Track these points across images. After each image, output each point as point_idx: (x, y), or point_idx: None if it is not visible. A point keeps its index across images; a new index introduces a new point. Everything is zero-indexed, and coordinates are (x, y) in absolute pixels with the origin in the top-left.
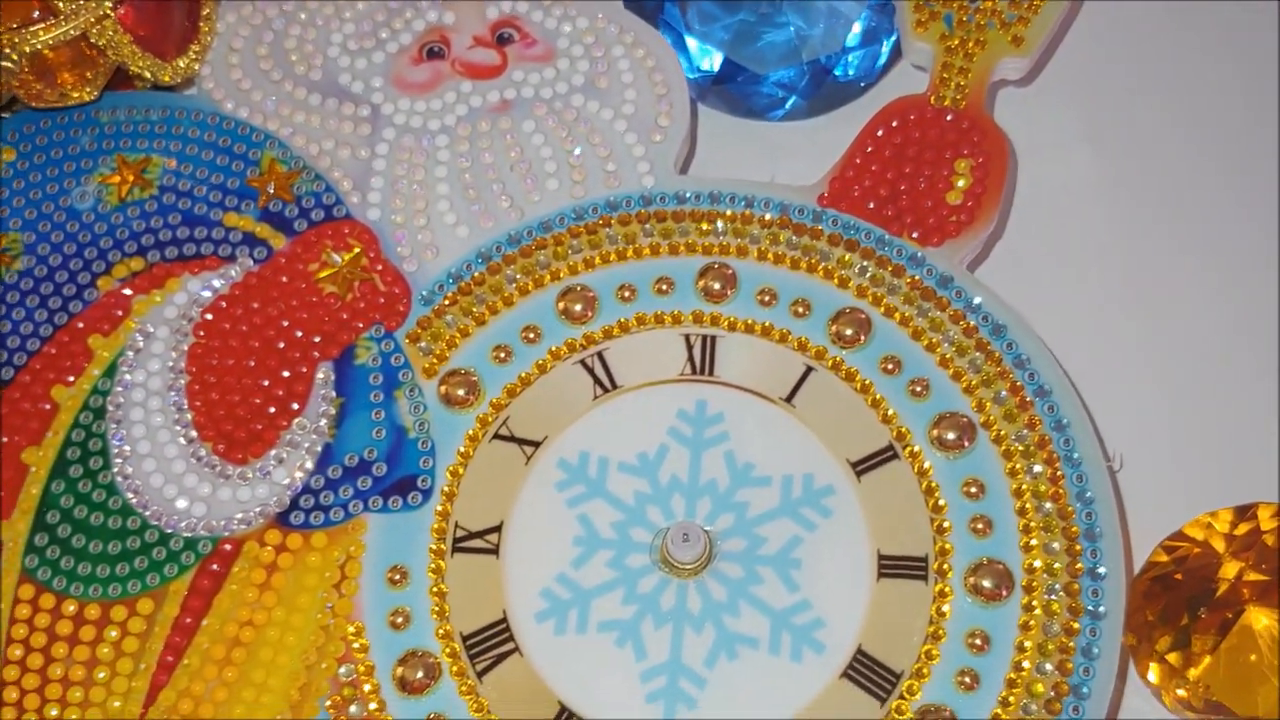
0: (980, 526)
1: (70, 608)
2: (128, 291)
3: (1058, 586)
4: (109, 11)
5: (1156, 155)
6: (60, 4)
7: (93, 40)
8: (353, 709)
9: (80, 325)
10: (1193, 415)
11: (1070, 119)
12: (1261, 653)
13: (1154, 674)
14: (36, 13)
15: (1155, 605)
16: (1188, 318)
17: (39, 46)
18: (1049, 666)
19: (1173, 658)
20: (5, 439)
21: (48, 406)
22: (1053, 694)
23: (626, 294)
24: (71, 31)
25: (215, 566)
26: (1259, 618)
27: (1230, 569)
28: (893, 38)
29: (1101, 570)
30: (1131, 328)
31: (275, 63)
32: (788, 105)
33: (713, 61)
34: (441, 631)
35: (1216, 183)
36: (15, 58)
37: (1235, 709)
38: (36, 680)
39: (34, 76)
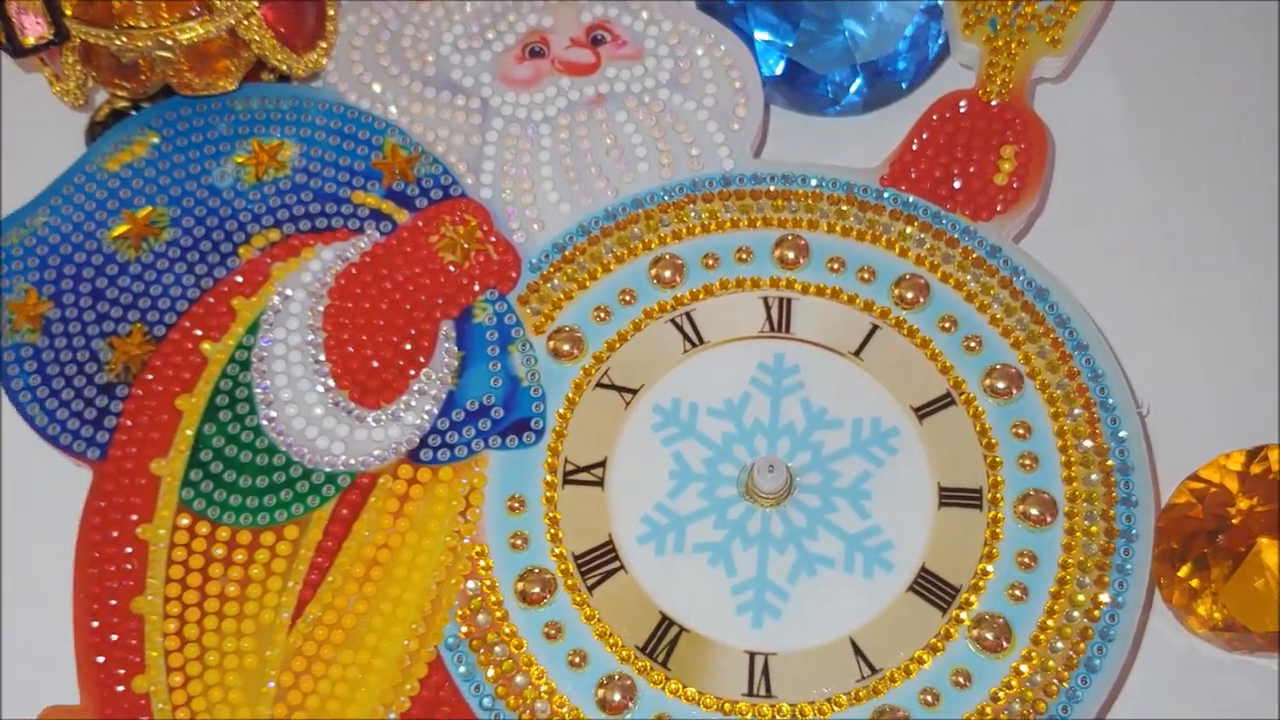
0: (1028, 462)
1: (224, 534)
2: (267, 260)
3: (1095, 513)
4: (255, 9)
5: (1177, 138)
6: (218, 4)
7: (239, 35)
8: (480, 618)
9: (225, 289)
10: (1211, 367)
11: (1102, 107)
12: (1269, 578)
13: (1177, 597)
14: (194, 9)
15: (1177, 537)
16: (1206, 281)
17: (195, 39)
18: (1088, 581)
19: (1193, 583)
20: (160, 388)
21: (198, 360)
22: (1092, 604)
23: (710, 262)
24: (223, 26)
25: (353, 497)
26: (1268, 547)
27: (1243, 504)
28: (940, 40)
29: (1135, 499)
30: (1158, 290)
31: (393, 59)
32: (844, 102)
33: (776, 65)
34: (556, 552)
35: (1235, 156)
36: (174, 49)
37: (1248, 625)
38: (196, 596)
39: (187, 66)
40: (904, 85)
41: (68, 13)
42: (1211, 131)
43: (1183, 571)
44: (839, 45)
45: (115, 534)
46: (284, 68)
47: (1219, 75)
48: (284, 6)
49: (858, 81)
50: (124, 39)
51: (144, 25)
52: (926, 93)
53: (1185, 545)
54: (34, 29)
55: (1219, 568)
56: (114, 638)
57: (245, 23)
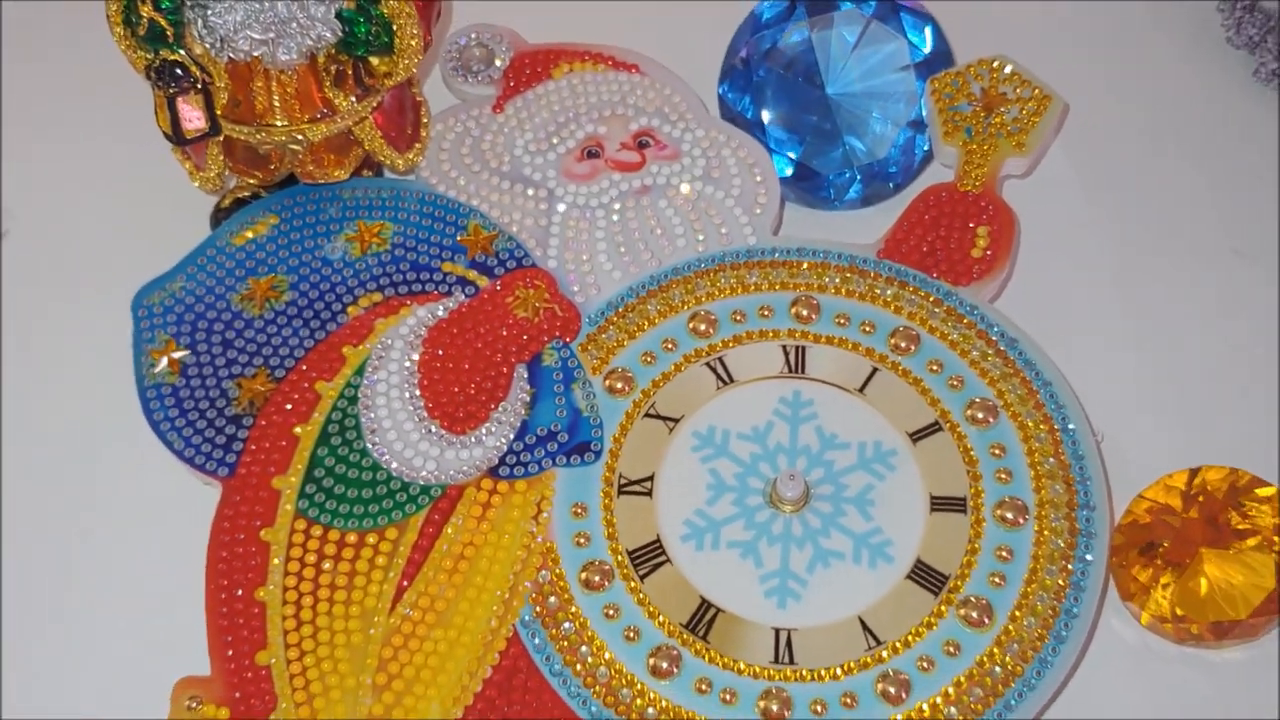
0: (1003, 476)
1: (334, 536)
2: (372, 317)
3: (1059, 516)
4: (368, 115)
5: (1121, 219)
6: (339, 105)
7: (354, 135)
8: (550, 600)
9: (336, 339)
10: (1154, 403)
11: (1059, 197)
12: (1208, 582)
13: (1132, 597)
14: (320, 112)
15: (1132, 546)
16: (1148, 331)
17: (319, 136)
18: (1054, 570)
19: (1146, 581)
20: (280, 419)
21: (312, 396)
22: (1058, 589)
23: (738, 317)
24: (344, 126)
25: (443, 505)
26: (1208, 556)
27: (1186, 516)
28: (925, 148)
29: (1093, 504)
30: (1108, 339)
31: (474, 158)
32: (844, 200)
33: (786, 169)
34: (612, 548)
35: (1169, 228)
36: (302, 144)
37: (1194, 617)
38: (310, 586)
39: (309, 158)
40: (893, 185)
41: (219, 111)
42: (1149, 210)
43: (1136, 572)
44: (839, 155)
45: (242, 536)
46: (387, 163)
47: (1154, 166)
48: (390, 113)
49: (856, 184)
50: (264, 134)
51: (280, 124)
52: (913, 187)
53: (1139, 552)
54: (194, 122)
55: (1166, 573)
56: (240, 620)
57: (360, 125)
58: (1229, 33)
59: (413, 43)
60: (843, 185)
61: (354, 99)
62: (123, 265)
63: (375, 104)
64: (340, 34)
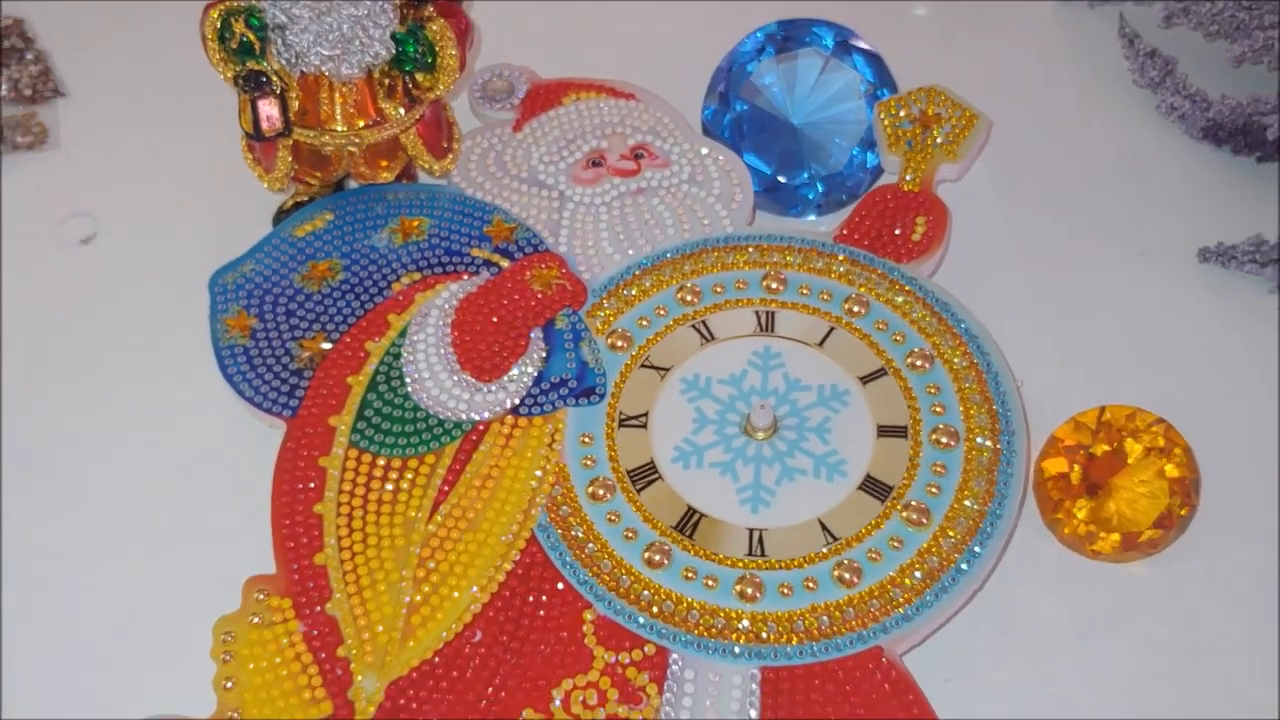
0: (938, 409)
1: (381, 461)
2: (413, 292)
3: (985, 440)
4: (412, 126)
5: (1030, 208)
6: (390, 114)
7: (401, 141)
8: (562, 510)
9: (382, 309)
10: (1064, 353)
11: (981, 196)
12: (1118, 503)
13: (1053, 517)
14: (374, 120)
15: (1051, 473)
16: (1059, 293)
17: (372, 140)
18: (981, 482)
19: (1065, 506)
20: (336, 371)
21: (363, 354)
22: (984, 497)
23: (718, 289)
24: (393, 134)
25: (473, 437)
26: (1115, 481)
27: (1097, 449)
28: (874, 164)
29: (1013, 429)
30: (1024, 301)
31: (499, 167)
32: (808, 210)
33: (757, 185)
34: (614, 468)
35: (1071, 213)
36: (359, 146)
37: (1103, 533)
38: (360, 501)
39: (363, 161)
40: (847, 196)
41: (291, 116)
42: (1063, 210)
43: (1055, 496)
44: (804, 172)
45: (303, 463)
46: (426, 168)
47: (1069, 178)
48: (430, 127)
49: (818, 195)
50: (327, 137)
51: (341, 129)
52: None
53: (1055, 481)
54: (272, 122)
55: (1082, 498)
56: (300, 529)
57: (406, 134)
58: (1134, 74)
59: (452, 62)
60: (807, 197)
61: (402, 110)
62: (200, 255)
63: (419, 116)
64: (393, 52)
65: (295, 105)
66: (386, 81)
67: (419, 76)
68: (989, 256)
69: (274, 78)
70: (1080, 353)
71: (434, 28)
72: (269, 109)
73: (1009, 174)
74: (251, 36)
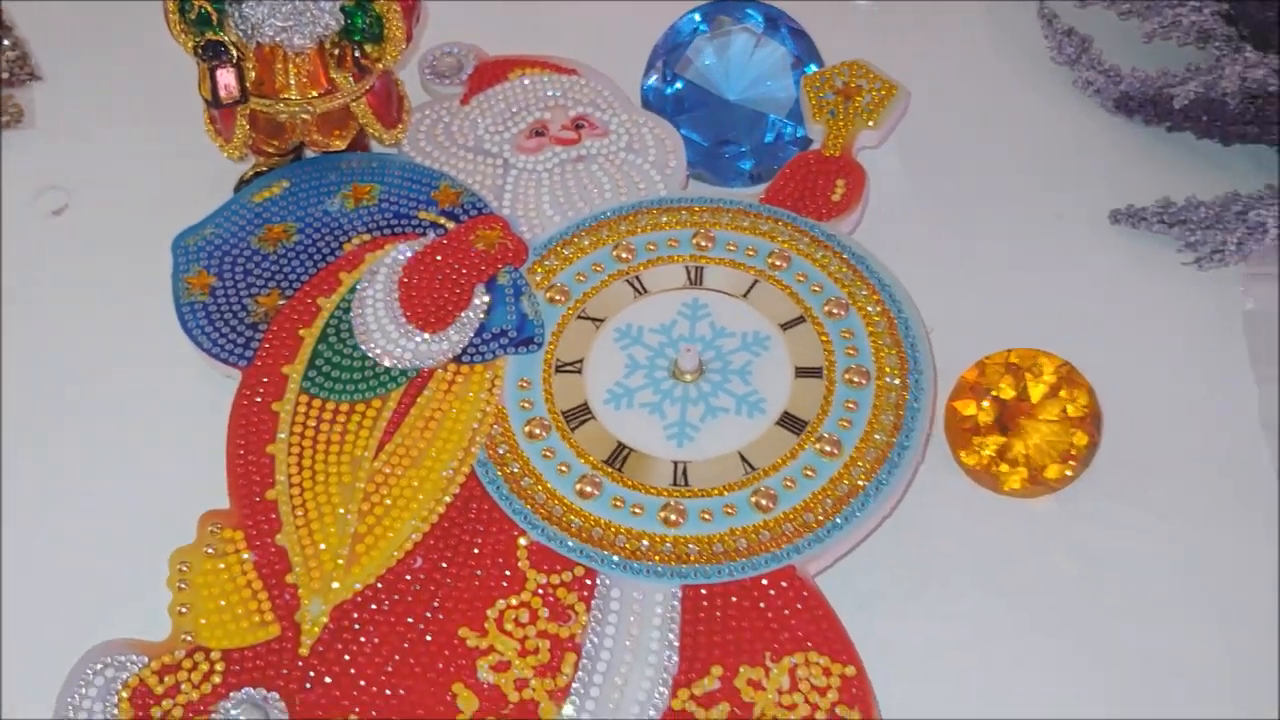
0: (851, 351)
1: (330, 406)
2: (363, 251)
3: (894, 379)
4: (362, 96)
5: (938, 169)
6: (340, 83)
7: (352, 110)
8: (500, 449)
9: (334, 267)
10: (970, 303)
11: (910, 162)
12: (1025, 442)
13: (963, 455)
14: (325, 89)
15: (960, 413)
16: (964, 247)
17: (325, 109)
18: (890, 417)
19: (974, 441)
20: (289, 325)
21: (315, 308)
22: (892, 429)
23: (651, 246)
24: (343, 103)
25: (418, 382)
26: (1021, 422)
27: (1004, 390)
28: (800, 134)
29: (921, 368)
30: (932, 254)
31: (447, 137)
32: (741, 176)
33: (696, 157)
34: (550, 409)
35: (1000, 178)
36: (311, 114)
37: (1009, 469)
38: (310, 442)
39: (316, 128)
40: (776, 168)
41: (248, 85)
42: (980, 174)
43: (963, 433)
44: (738, 149)
45: (256, 408)
46: (376, 136)
47: (988, 145)
48: (380, 97)
49: (749, 164)
50: (281, 105)
51: (295, 98)
52: None
53: (963, 419)
54: (229, 91)
55: (991, 436)
56: (253, 467)
57: (356, 103)
58: (1053, 52)
59: (398, 34)
60: (742, 169)
61: (351, 79)
62: (165, 222)
63: (368, 86)
64: (342, 24)
65: (252, 75)
66: (337, 52)
67: (367, 48)
68: (910, 217)
69: (231, 48)
70: (993, 305)
71: (381, 1)
72: (226, 78)
73: (934, 144)
74: (209, 8)
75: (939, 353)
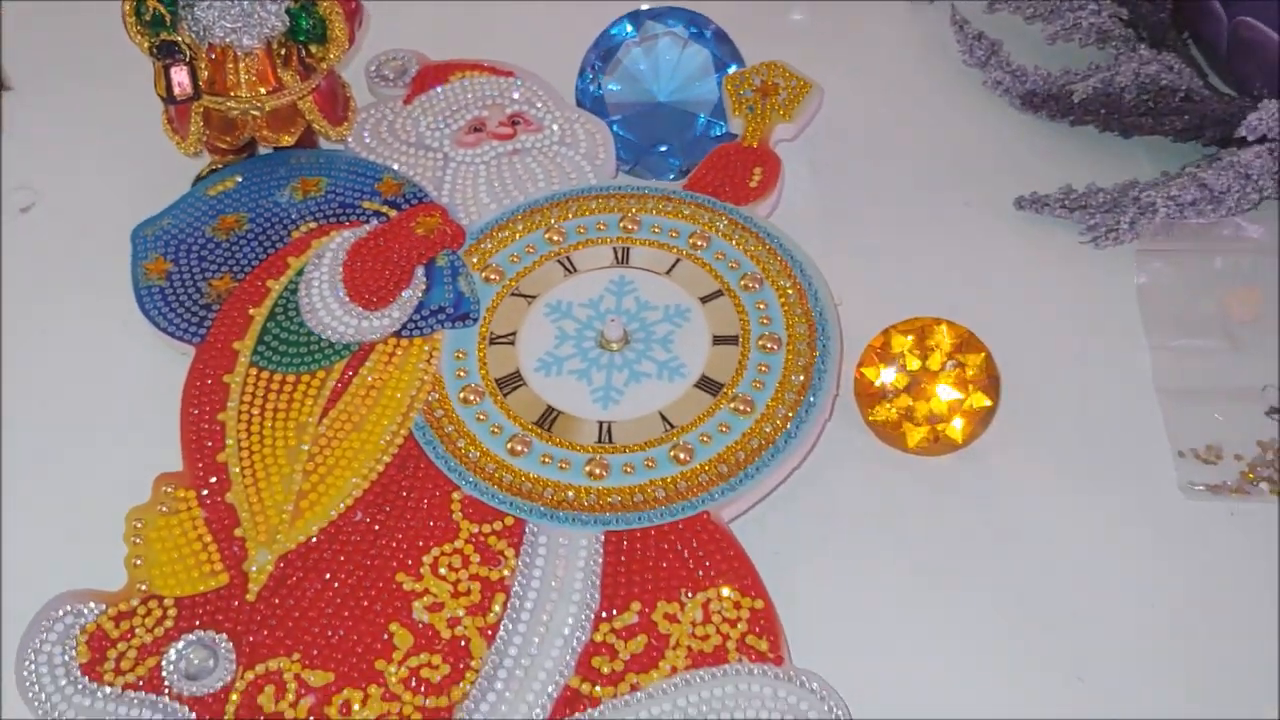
0: (765, 320)
1: (278, 378)
2: (309, 238)
3: (803, 345)
4: (309, 94)
5: (846, 158)
6: (287, 81)
7: (299, 108)
8: (437, 413)
9: (282, 252)
10: (876, 275)
11: (824, 154)
12: (927, 402)
13: (869, 415)
14: (273, 87)
15: (867, 377)
16: (887, 229)
17: (274, 106)
18: (800, 378)
19: (880, 403)
20: (240, 305)
21: (264, 290)
22: (801, 390)
23: (581, 230)
24: (290, 100)
25: (360, 354)
26: (923, 384)
27: (907, 356)
28: (723, 129)
29: (829, 335)
30: (845, 237)
31: (390, 134)
32: (669, 169)
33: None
34: (483, 375)
35: (912, 168)
36: (261, 111)
37: (912, 426)
38: (259, 409)
39: (265, 124)
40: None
41: (200, 83)
42: (890, 162)
43: (870, 395)
44: (668, 147)
45: (209, 381)
46: (322, 132)
47: (901, 138)
48: (326, 96)
49: (676, 158)
50: (232, 103)
51: (245, 95)
52: None
53: (871, 383)
54: (182, 89)
55: (896, 397)
56: (205, 433)
57: (304, 100)
58: (964, 55)
59: (341, 35)
60: (671, 164)
61: (298, 78)
62: (125, 216)
63: (314, 85)
64: (288, 25)
65: (204, 74)
66: (283, 52)
67: (312, 48)
68: (824, 204)
69: (184, 48)
70: (901, 282)
71: (324, 4)
72: (180, 75)
73: (852, 140)
74: (163, 10)
75: (848, 324)
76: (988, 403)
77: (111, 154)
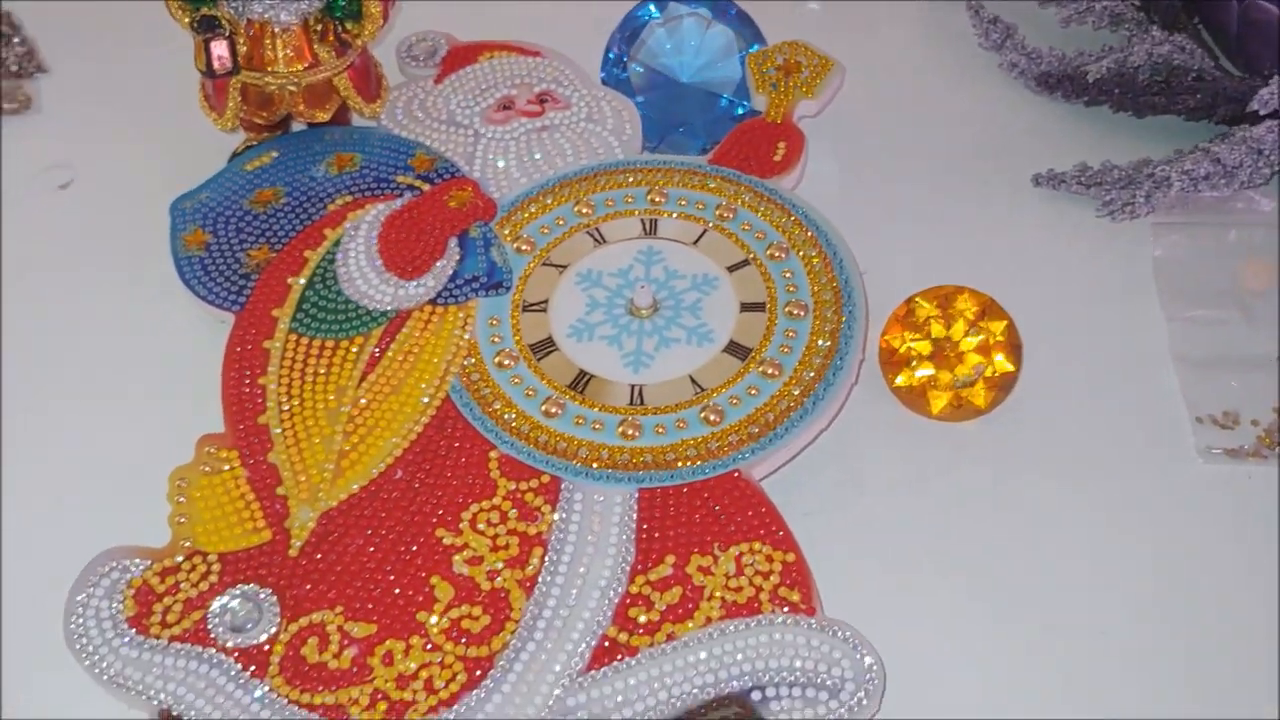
0: (791, 288)
1: (317, 343)
2: (345, 210)
3: (829, 312)
4: (344, 71)
5: (870, 134)
6: (323, 58)
7: (335, 84)
8: (473, 376)
9: (319, 224)
10: (913, 250)
11: (847, 130)
12: (950, 369)
13: (894, 382)
14: (309, 63)
15: (891, 344)
16: (909, 204)
17: (310, 82)
18: (826, 343)
19: (904, 370)
20: (279, 274)
21: (301, 260)
22: (827, 355)
23: (609, 203)
24: (326, 76)
25: (397, 322)
26: (947, 351)
27: (932, 324)
28: (746, 108)
29: (854, 301)
30: (870, 207)
31: (423, 112)
32: (694, 147)
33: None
34: (517, 341)
35: (931, 146)
36: (298, 87)
37: (938, 389)
38: (298, 373)
39: (301, 100)
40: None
41: (239, 59)
42: (910, 142)
43: (894, 363)
44: (692, 126)
45: (249, 346)
46: (356, 109)
47: (914, 115)
48: (360, 73)
49: (701, 137)
50: (270, 78)
51: (282, 70)
52: None
53: (895, 351)
54: (222, 63)
55: (919, 364)
56: (246, 396)
57: (339, 77)
58: (980, 39)
59: (375, 11)
60: (696, 143)
61: (333, 54)
62: (162, 191)
63: (349, 62)
64: (324, 1)
65: (243, 49)
66: (320, 28)
67: (348, 25)
68: (845, 183)
69: (224, 22)
70: (923, 257)
71: None
72: (220, 50)
73: (872, 123)
74: None
75: (871, 296)
76: (1010, 368)
77: (147, 133)
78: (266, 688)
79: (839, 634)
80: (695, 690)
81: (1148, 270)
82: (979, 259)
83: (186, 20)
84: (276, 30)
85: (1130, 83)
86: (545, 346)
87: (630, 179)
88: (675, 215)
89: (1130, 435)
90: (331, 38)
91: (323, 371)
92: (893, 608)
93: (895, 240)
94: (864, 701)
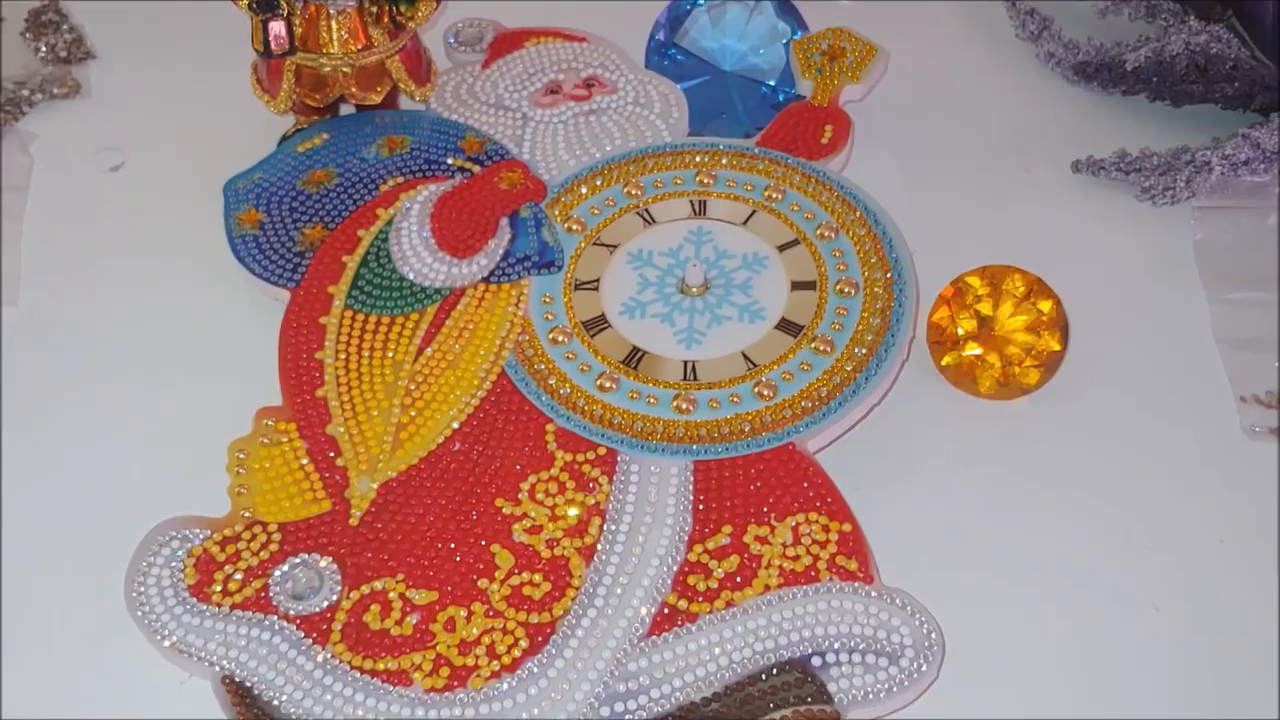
0: (841, 266)
1: (373, 319)
2: (397, 191)
3: (879, 290)
4: (396, 54)
5: (913, 117)
6: (377, 40)
7: (387, 67)
8: (527, 351)
9: (371, 205)
10: (950, 229)
11: (889, 115)
12: (999, 348)
13: (942, 361)
14: (363, 45)
15: (939, 323)
16: (952, 188)
17: (363, 64)
18: (876, 321)
19: (953, 350)
20: (333, 252)
21: (354, 239)
22: (878, 333)
23: (659, 184)
24: (378, 59)
25: (451, 299)
26: (994, 330)
27: (980, 304)
28: (790, 91)
29: (904, 281)
30: (914, 187)
31: (471, 95)
32: (739, 131)
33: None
34: (570, 318)
35: (973, 134)
36: (351, 69)
37: (988, 365)
38: (355, 348)
39: (354, 82)
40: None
41: (295, 40)
42: (951, 131)
43: (943, 342)
44: (735, 112)
45: (305, 321)
46: (407, 91)
47: (955, 105)
48: (411, 57)
49: (746, 121)
50: (324, 60)
51: (336, 52)
52: None
53: (944, 330)
54: (279, 43)
55: (967, 343)
56: (303, 369)
57: (391, 60)
58: (1017, 30)
59: None
60: (734, 125)
61: (387, 36)
62: (214, 172)
63: (401, 45)
64: None
65: (299, 30)
66: (375, 10)
67: (402, 7)
68: (889, 171)
69: (281, 3)
70: (968, 241)
71: None
72: (278, 29)
73: (913, 114)
74: None
75: (921, 276)
76: (1058, 347)
77: (200, 114)
78: (329, 654)
79: (898, 601)
80: (755, 655)
81: (1188, 253)
82: (1022, 244)
83: (245, 1)
84: (332, 12)
85: (1168, 72)
86: (598, 324)
87: (678, 161)
88: (724, 196)
89: (1175, 415)
90: (385, 20)
91: (379, 346)
92: (944, 581)
93: (939, 224)
94: (923, 668)
